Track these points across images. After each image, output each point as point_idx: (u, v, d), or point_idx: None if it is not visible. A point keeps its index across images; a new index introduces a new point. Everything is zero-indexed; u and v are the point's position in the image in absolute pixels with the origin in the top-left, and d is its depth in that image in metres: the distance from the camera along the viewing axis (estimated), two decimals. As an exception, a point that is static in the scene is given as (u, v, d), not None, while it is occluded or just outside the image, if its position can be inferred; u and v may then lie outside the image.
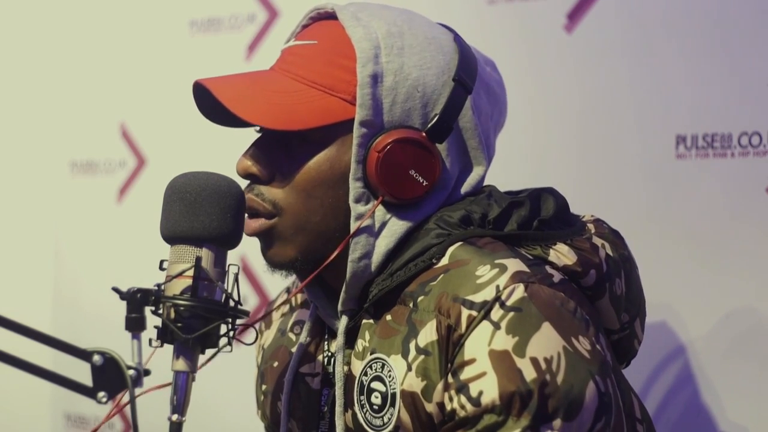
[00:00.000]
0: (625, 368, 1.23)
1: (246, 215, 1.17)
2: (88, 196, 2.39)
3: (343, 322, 1.18)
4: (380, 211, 1.15)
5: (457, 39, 1.21)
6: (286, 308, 1.36)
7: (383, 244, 1.15)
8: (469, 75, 1.17)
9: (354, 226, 1.14)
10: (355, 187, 1.14)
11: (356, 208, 1.14)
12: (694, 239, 1.56)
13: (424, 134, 1.14)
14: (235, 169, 1.18)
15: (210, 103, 1.18)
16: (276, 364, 1.31)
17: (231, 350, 1.08)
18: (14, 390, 2.22)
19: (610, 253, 1.17)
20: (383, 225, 1.15)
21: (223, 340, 1.08)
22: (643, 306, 1.23)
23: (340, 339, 1.17)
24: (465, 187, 1.19)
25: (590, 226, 1.20)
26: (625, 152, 1.63)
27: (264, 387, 1.33)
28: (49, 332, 1.10)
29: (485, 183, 1.22)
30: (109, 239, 2.36)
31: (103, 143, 2.36)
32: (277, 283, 1.64)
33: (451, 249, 1.13)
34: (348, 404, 1.16)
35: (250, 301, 2.10)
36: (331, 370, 1.22)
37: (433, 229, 1.15)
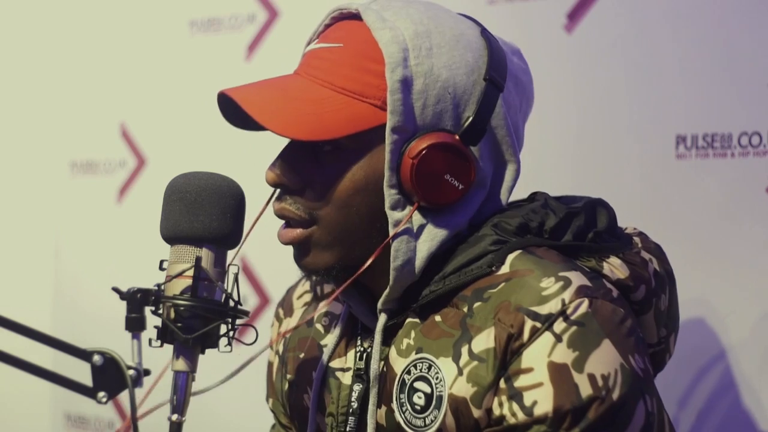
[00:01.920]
0: None
1: (282, 224, 1.16)
2: (88, 196, 2.39)
3: (381, 321, 1.16)
4: (417, 215, 1.13)
5: (485, 33, 1.19)
6: (309, 297, 1.34)
7: (425, 248, 1.13)
8: (500, 72, 1.15)
9: (392, 232, 1.12)
10: (390, 195, 1.12)
11: (393, 215, 1.12)
12: (693, 239, 1.56)
13: (457, 137, 1.12)
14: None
15: (234, 110, 1.15)
16: (302, 355, 1.29)
17: (231, 350, 1.08)
18: (14, 390, 2.22)
19: (657, 268, 1.17)
20: (421, 228, 1.13)
21: (224, 341, 1.08)
22: (678, 321, 1.22)
23: (377, 337, 1.16)
24: (505, 186, 1.18)
25: (636, 239, 1.19)
26: (624, 152, 1.63)
27: (289, 376, 1.30)
28: (49, 332, 1.10)
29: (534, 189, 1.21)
30: (109, 239, 2.35)
31: (103, 143, 2.36)
32: (277, 283, 1.64)
33: (510, 257, 1.12)
34: (382, 401, 1.15)
35: (250, 301, 2.09)
36: (363, 365, 1.21)
37: (490, 235, 1.13)
